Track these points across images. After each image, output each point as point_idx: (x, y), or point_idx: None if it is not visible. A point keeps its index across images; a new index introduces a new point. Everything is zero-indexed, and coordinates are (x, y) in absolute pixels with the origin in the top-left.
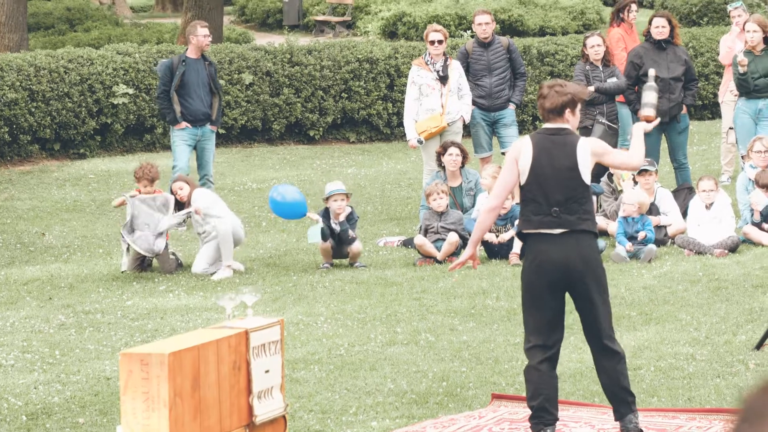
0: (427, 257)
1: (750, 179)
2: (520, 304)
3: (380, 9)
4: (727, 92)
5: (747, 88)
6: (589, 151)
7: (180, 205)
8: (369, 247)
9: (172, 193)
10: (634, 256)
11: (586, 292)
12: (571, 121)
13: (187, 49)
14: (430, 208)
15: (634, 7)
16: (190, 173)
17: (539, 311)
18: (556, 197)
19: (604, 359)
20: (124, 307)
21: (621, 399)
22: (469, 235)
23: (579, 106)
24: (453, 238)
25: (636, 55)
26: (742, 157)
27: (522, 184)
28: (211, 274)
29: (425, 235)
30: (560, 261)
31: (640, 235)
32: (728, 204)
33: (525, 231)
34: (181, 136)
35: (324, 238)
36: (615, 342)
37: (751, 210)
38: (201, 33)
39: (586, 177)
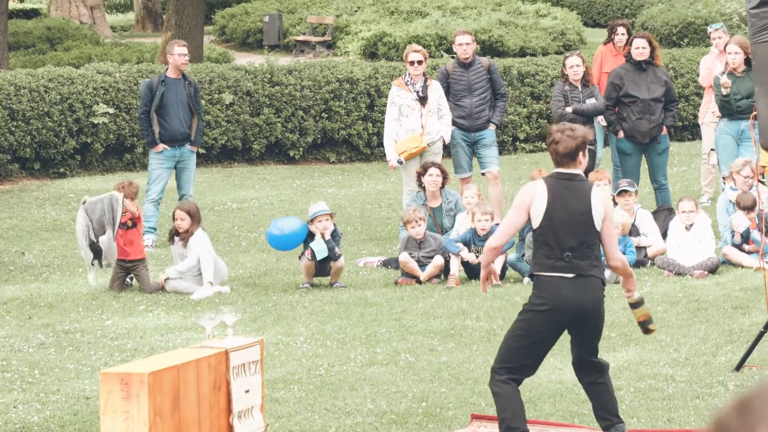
0: (410, 276)
1: (731, 201)
2: (509, 331)
3: (360, 29)
4: (708, 113)
5: (730, 110)
6: (602, 200)
7: (175, 234)
8: (349, 267)
9: (173, 218)
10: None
11: (590, 332)
12: (583, 163)
13: (167, 69)
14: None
15: (620, 30)
16: (162, 197)
17: (538, 350)
18: (570, 242)
19: (596, 368)
20: (103, 326)
21: (612, 409)
22: (450, 257)
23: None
24: (438, 261)
25: (616, 75)
26: (724, 178)
27: (535, 227)
28: (190, 294)
29: None
30: (574, 304)
31: None
32: (708, 225)
33: (537, 273)
34: (158, 159)
35: (313, 256)
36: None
37: (732, 231)
38: (177, 52)
39: (599, 223)
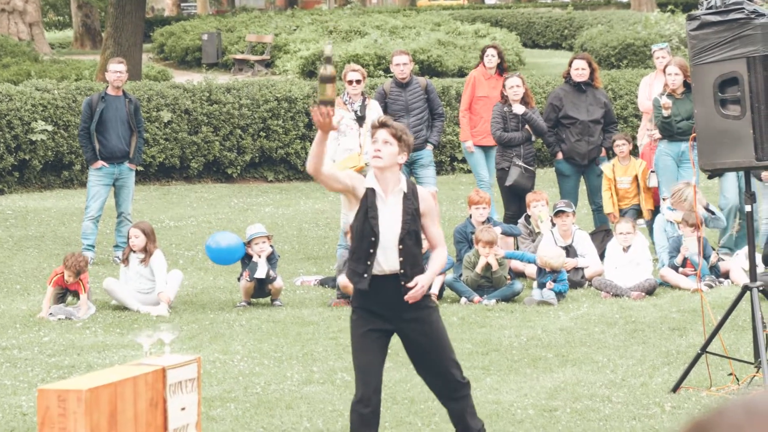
0: (345, 298)
1: (670, 221)
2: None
3: (299, 48)
4: (646, 136)
5: (670, 131)
6: None
7: (131, 251)
8: (286, 286)
9: (128, 237)
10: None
11: None
12: None
13: (107, 86)
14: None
15: (490, 51)
16: (101, 215)
17: None
18: None
19: None
20: (41, 343)
21: None
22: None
23: None
24: None
25: (555, 97)
26: (663, 199)
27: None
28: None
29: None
30: None
31: (548, 285)
32: (646, 247)
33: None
34: (97, 175)
35: (251, 276)
36: None
37: (672, 253)
38: (111, 69)
39: None
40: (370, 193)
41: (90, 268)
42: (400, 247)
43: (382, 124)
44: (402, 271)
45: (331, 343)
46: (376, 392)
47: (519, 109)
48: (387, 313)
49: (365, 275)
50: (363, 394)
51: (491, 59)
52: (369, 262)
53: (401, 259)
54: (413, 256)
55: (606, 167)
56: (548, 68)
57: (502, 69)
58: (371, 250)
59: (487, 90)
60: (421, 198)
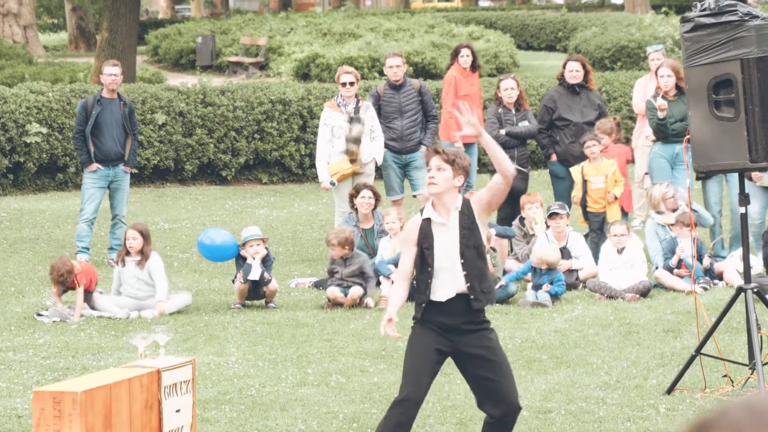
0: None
1: (660, 224)
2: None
3: (293, 50)
4: (641, 137)
5: (665, 133)
6: None
7: (126, 254)
8: (280, 288)
9: (124, 238)
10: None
11: None
12: None
13: (102, 89)
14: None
15: (464, 51)
16: (96, 217)
17: None
18: None
19: None
20: (35, 345)
21: None
22: (375, 273)
23: None
24: (356, 292)
25: (550, 99)
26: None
27: None
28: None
29: (331, 276)
30: None
31: (545, 287)
32: (640, 248)
33: None
34: (92, 178)
35: (245, 278)
36: None
37: (668, 254)
38: (106, 71)
39: None
40: (425, 224)
41: (79, 267)
42: (462, 261)
43: (435, 152)
44: (469, 285)
45: (326, 345)
46: (417, 405)
47: (501, 131)
48: (448, 328)
49: (423, 304)
50: (410, 395)
51: (466, 59)
52: (427, 292)
53: (465, 272)
54: (479, 270)
55: (575, 170)
56: (542, 70)
57: (474, 66)
58: (429, 281)
59: (467, 88)
60: (473, 204)
